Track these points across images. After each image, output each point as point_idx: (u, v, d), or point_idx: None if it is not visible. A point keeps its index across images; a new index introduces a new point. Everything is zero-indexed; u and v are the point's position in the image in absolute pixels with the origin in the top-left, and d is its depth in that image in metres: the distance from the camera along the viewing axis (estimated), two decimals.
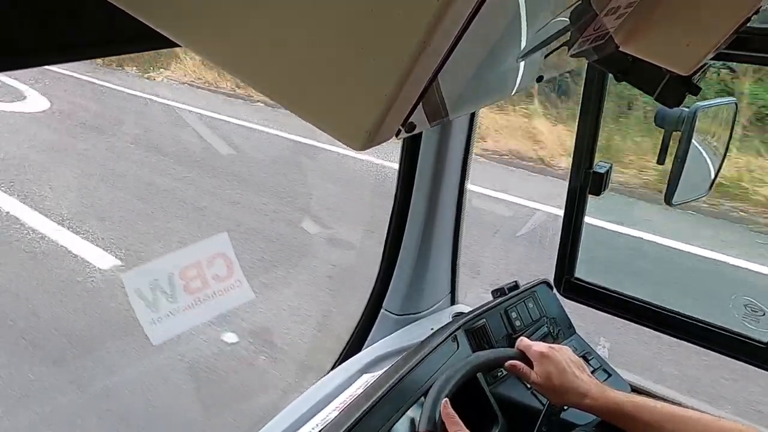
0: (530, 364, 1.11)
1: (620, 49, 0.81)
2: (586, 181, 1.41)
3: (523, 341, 1.16)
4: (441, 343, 1.26)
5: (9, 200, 4.55)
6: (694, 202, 1.37)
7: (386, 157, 4.35)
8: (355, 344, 1.71)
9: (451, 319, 1.49)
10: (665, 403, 1.02)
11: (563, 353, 1.11)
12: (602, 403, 1.03)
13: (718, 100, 1.33)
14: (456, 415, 0.99)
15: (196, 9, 0.40)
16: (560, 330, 1.47)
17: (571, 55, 0.69)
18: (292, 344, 3.28)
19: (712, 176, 1.36)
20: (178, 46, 0.42)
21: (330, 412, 1.24)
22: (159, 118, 6.88)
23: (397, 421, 1.10)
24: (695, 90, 0.93)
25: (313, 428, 1.20)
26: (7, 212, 4.39)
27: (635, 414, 0.99)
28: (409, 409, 1.12)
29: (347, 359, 1.51)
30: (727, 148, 1.36)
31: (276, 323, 3.42)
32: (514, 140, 5.59)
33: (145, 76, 8.07)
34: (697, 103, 1.20)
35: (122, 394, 2.98)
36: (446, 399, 1.01)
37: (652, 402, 1.01)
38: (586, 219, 1.49)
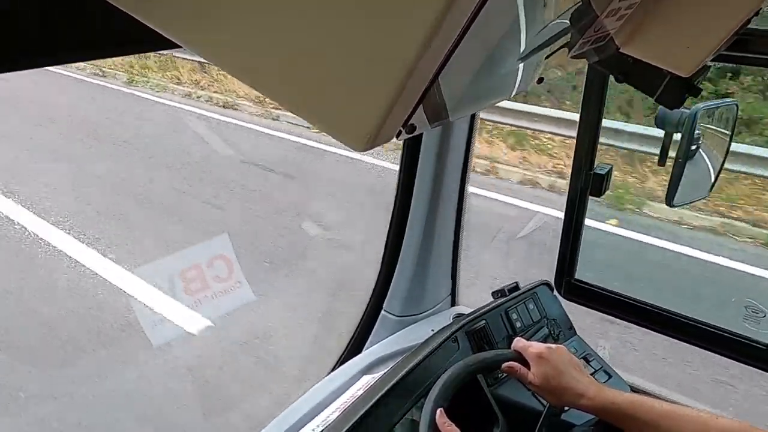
0: (528, 365, 1.11)
1: (621, 50, 0.81)
2: (586, 183, 1.41)
3: (519, 342, 1.16)
4: (441, 344, 1.26)
5: None
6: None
7: None
8: (355, 345, 1.71)
9: (451, 321, 1.49)
10: (663, 401, 1.02)
11: (560, 353, 1.10)
12: (599, 402, 1.03)
13: (719, 101, 1.34)
14: (452, 423, 0.98)
15: (197, 11, 0.40)
16: (561, 331, 1.47)
17: (572, 57, 0.69)
18: None
19: (713, 177, 1.36)
20: (179, 47, 0.42)
21: (331, 413, 1.24)
22: None
23: (398, 423, 1.10)
24: (695, 91, 0.93)
25: (313, 429, 1.20)
26: None
27: (632, 413, 0.99)
28: (409, 410, 1.12)
29: (348, 360, 1.51)
30: (727, 149, 1.36)
31: None
32: None
33: None
34: (698, 104, 1.20)
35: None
36: (441, 409, 1.01)
37: (649, 401, 1.01)
38: None
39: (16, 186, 5.06)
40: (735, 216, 4.65)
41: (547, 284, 1.54)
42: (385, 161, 5.57)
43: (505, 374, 1.23)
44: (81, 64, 8.54)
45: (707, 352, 1.38)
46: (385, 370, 1.26)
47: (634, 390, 1.37)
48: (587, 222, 1.48)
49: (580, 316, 1.53)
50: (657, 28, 0.78)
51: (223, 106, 7.84)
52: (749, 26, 0.82)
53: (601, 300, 1.49)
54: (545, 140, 6.13)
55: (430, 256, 1.65)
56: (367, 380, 1.33)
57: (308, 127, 6.30)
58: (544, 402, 1.13)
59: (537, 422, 1.11)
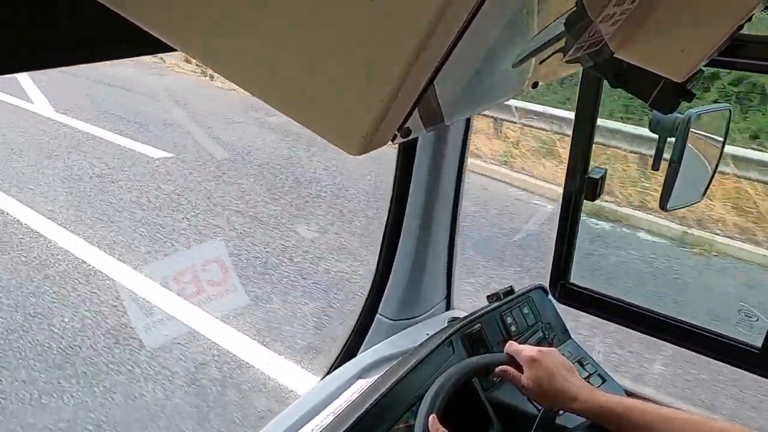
0: (521, 369, 1.11)
1: (615, 55, 0.81)
2: (581, 187, 1.42)
3: (512, 346, 1.16)
4: (437, 348, 1.26)
5: None
6: None
7: None
8: (350, 349, 1.71)
9: (446, 325, 1.49)
10: (655, 404, 1.02)
11: (552, 356, 1.10)
12: (592, 405, 1.03)
13: (712, 106, 1.34)
14: (446, 431, 0.98)
15: (191, 14, 0.40)
16: (555, 335, 1.47)
17: (566, 61, 0.69)
18: None
19: (707, 181, 1.37)
20: (176, 50, 0.42)
21: (325, 417, 1.24)
22: None
23: (392, 427, 1.09)
24: (689, 96, 0.93)
25: None
26: None
27: (626, 416, 0.99)
28: (404, 414, 1.12)
29: (343, 364, 1.51)
30: (721, 154, 1.37)
31: None
32: None
33: None
34: (691, 109, 1.21)
35: None
36: (433, 416, 1.00)
37: (641, 404, 1.01)
38: None
39: None
40: None
41: (542, 288, 1.54)
42: None
43: (500, 378, 1.23)
44: None
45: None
46: (380, 374, 1.25)
47: (629, 394, 1.37)
48: None
49: None
50: (651, 33, 0.78)
51: None
52: (741, 32, 0.82)
53: (595, 304, 1.50)
54: None
55: (425, 259, 1.65)
56: (362, 384, 1.33)
57: None
58: (539, 406, 1.13)
59: (532, 426, 1.11)
